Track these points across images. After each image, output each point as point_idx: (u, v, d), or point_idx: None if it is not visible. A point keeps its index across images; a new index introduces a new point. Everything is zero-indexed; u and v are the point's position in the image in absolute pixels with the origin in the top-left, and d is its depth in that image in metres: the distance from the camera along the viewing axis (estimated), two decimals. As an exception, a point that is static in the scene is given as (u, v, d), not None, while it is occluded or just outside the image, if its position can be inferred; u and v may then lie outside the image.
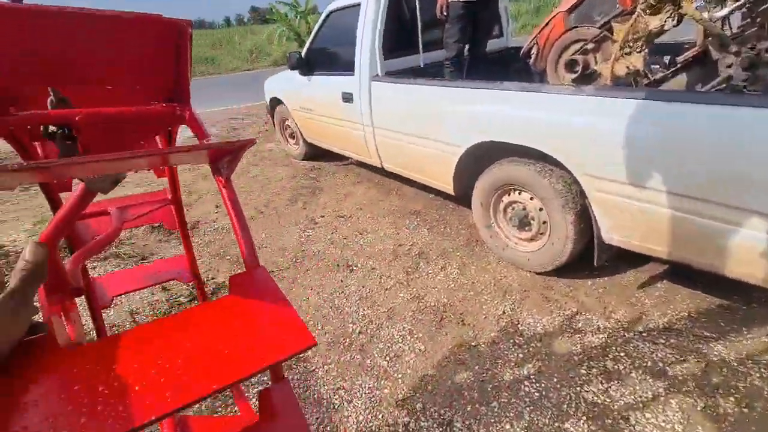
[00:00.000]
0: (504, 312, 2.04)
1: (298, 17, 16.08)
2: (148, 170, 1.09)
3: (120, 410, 0.35)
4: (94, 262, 2.74)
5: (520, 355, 1.79)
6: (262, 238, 3.01)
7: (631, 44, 1.69)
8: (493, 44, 3.47)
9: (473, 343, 1.87)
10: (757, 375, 1.56)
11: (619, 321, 1.90)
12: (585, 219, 1.95)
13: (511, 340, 1.87)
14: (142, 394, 0.37)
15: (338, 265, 2.58)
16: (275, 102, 4.57)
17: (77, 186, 0.65)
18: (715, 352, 1.68)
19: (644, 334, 1.81)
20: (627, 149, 1.59)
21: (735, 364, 1.62)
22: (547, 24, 2.38)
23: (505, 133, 2.07)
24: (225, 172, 0.67)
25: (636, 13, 1.64)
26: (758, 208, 1.34)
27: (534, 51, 2.50)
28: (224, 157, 0.64)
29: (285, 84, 4.32)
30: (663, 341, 1.76)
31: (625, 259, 2.19)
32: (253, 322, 0.49)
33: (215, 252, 2.87)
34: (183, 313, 0.51)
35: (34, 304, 0.43)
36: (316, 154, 4.46)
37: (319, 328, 2.07)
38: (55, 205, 0.85)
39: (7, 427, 0.33)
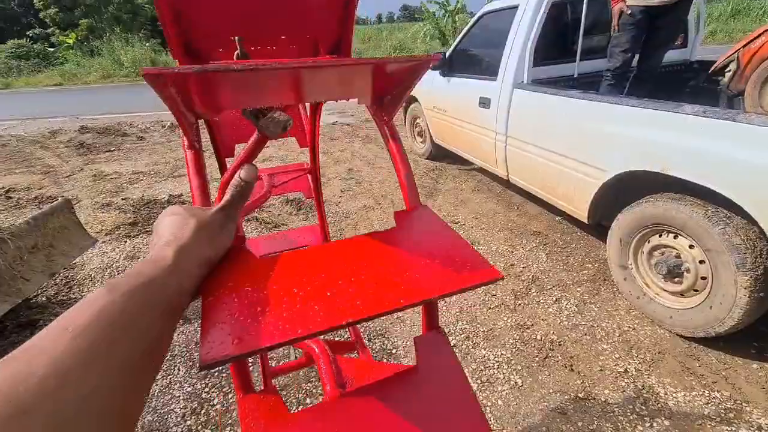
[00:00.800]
0: (626, 371, 1.75)
1: (446, 16, 16.21)
2: (291, 136, 1.16)
3: (316, 309, 0.38)
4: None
5: (639, 428, 1.51)
6: (375, 227, 3.13)
7: None
8: (671, 56, 2.94)
9: (581, 395, 1.65)
10: None
11: (796, 429, 1.45)
12: (767, 287, 1.53)
13: (630, 406, 1.59)
14: (334, 299, 0.39)
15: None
16: (410, 100, 4.69)
17: (240, 150, 0.71)
18: None
19: (835, 459, 1.35)
20: None
21: None
22: (757, 37, 1.89)
23: (671, 163, 1.74)
24: (388, 110, 0.65)
25: None
26: None
27: (731, 68, 2.02)
28: (389, 92, 0.63)
29: (422, 83, 4.39)
30: None
31: (820, 351, 1.66)
32: (431, 251, 0.47)
33: (333, 234, 3.10)
34: (358, 238, 0.51)
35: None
36: (439, 154, 4.46)
37: (415, 330, 2.07)
38: (222, 168, 1.00)
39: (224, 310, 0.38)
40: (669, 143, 1.74)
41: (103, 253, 2.87)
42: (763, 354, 1.76)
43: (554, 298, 2.23)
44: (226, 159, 1.03)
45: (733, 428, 1.47)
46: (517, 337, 1.97)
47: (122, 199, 3.83)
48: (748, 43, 1.94)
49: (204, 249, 0.40)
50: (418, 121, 4.66)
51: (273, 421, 0.41)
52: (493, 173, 3.30)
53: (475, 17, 3.44)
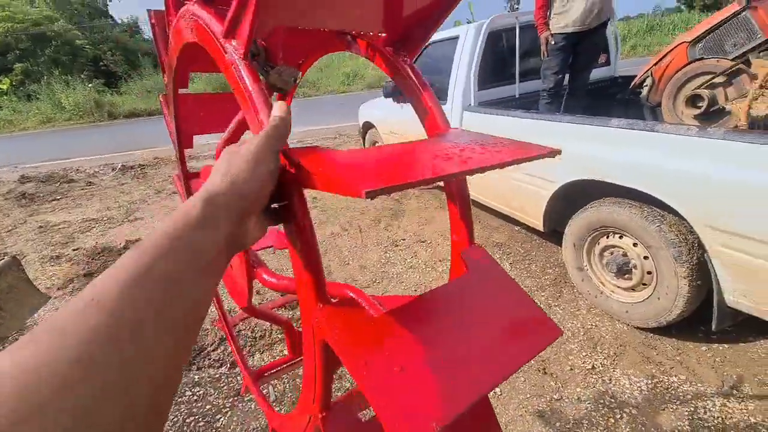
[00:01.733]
0: (594, 367, 1.86)
1: (394, 43, 16.88)
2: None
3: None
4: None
5: (611, 420, 1.60)
6: (345, 255, 3.16)
7: (776, 82, 1.46)
8: (597, 73, 3.27)
9: (555, 396, 1.73)
10: None
11: (744, 401, 1.60)
12: (703, 275, 1.70)
13: (601, 401, 1.68)
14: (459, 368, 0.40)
15: (416, 291, 2.59)
16: (368, 125, 4.83)
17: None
18: None
19: (778, 424, 1.50)
20: (760, 200, 1.37)
21: None
22: (664, 56, 2.17)
23: (608, 172, 1.92)
24: (409, 48, 0.64)
25: (784, 48, 1.42)
26: None
27: (648, 83, 2.29)
28: (412, 27, 0.60)
29: (378, 110, 4.56)
30: (805, 437, 1.44)
31: (755, 326, 1.85)
32: (500, 308, 0.49)
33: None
34: (437, 291, 0.50)
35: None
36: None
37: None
38: (183, 159, 1.07)
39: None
40: (603, 153, 1.92)
41: (57, 309, 2.68)
42: (709, 337, 1.93)
43: (522, 306, 2.33)
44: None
45: (692, 408, 1.60)
46: (492, 348, 2.04)
47: (73, 249, 3.61)
48: (658, 61, 2.21)
49: (243, 187, 0.36)
50: (377, 144, 4.80)
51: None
52: (453, 191, 3.44)
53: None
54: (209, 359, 2.12)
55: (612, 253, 2.09)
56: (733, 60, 1.90)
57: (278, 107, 0.43)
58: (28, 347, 0.21)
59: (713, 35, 1.97)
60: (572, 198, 2.23)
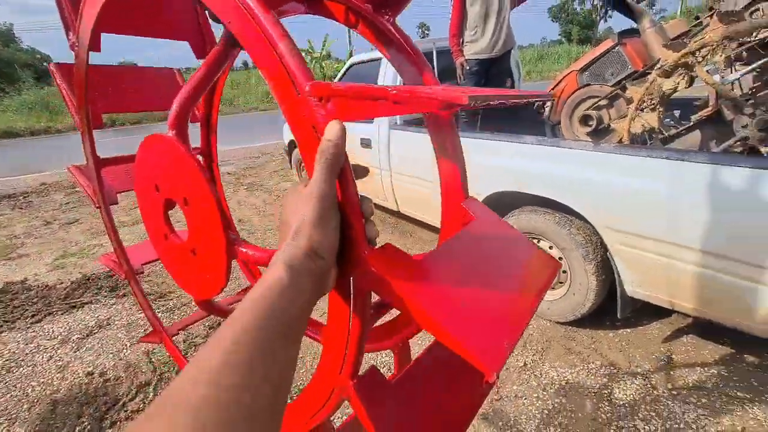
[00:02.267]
0: (525, 364, 2.00)
1: (313, 62, 16.98)
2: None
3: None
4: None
5: (545, 412, 1.73)
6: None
7: (646, 104, 1.77)
8: (505, 95, 3.62)
9: (495, 397, 1.82)
10: (799, 442, 1.49)
11: (646, 377, 1.85)
12: (607, 270, 1.95)
13: (535, 395, 1.81)
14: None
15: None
16: (293, 145, 4.74)
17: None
18: (752, 416, 1.61)
19: (674, 393, 1.75)
20: (647, 205, 1.62)
21: (773, 429, 1.55)
22: (560, 81, 2.50)
23: (525, 183, 2.12)
24: (392, 5, 0.60)
25: (651, 77, 1.73)
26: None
27: (548, 104, 2.61)
28: None
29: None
30: (694, 401, 1.70)
31: (648, 311, 2.16)
32: (510, 248, 0.56)
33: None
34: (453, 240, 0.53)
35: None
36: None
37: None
38: (92, 140, 0.96)
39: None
40: (520, 167, 2.13)
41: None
42: (615, 324, 2.20)
43: (457, 313, 2.44)
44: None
45: (609, 390, 1.80)
46: (434, 358, 2.10)
47: (-70, 300, 2.93)
48: (556, 85, 2.54)
49: (319, 248, 0.37)
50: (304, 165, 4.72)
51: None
52: (385, 207, 3.52)
53: (345, 67, 3.73)
54: (125, 411, 1.85)
55: (532, 257, 2.30)
56: (612, 86, 2.25)
57: (332, 128, 0.39)
58: (153, 420, 0.25)
59: (595, 65, 2.33)
60: (496, 208, 2.41)
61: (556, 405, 1.76)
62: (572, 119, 2.49)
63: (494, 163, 2.25)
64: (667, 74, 1.70)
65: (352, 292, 0.44)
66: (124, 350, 2.29)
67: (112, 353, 2.27)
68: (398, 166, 3.03)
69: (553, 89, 2.57)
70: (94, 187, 1.01)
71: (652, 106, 1.79)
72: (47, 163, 8.51)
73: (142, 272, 1.17)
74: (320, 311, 2.56)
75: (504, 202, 2.35)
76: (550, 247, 2.17)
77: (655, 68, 1.72)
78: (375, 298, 0.45)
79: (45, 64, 45.89)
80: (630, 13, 2.08)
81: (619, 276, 1.84)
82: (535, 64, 24.03)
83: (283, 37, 0.41)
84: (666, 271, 1.67)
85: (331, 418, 0.58)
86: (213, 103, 1.17)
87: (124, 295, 2.86)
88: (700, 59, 1.65)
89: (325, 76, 16.12)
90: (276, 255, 0.37)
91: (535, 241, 2.25)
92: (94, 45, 0.80)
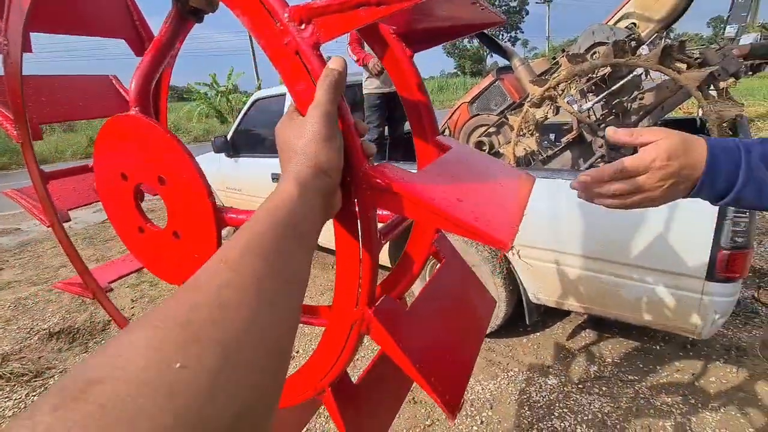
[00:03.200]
0: (453, 383, 2.05)
1: (219, 96, 16.33)
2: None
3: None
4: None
5: (474, 428, 1.77)
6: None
7: (524, 130, 2.02)
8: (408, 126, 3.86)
9: (428, 423, 1.82)
10: (678, 412, 1.74)
11: (557, 376, 2.02)
12: (513, 282, 2.12)
13: (464, 413, 1.86)
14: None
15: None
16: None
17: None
18: (642, 395, 1.84)
19: (580, 387, 1.93)
20: (534, 219, 1.82)
21: (658, 403, 1.78)
22: (454, 112, 2.75)
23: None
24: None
25: (524, 108, 2.00)
26: (640, 263, 1.61)
27: (447, 133, 2.84)
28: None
29: (209, 166, 4.25)
30: (597, 391, 1.89)
31: (553, 313, 2.38)
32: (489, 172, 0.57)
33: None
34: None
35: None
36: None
37: None
38: (32, 163, 0.90)
39: None
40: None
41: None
42: (526, 330, 2.38)
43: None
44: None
45: (528, 394, 1.92)
46: (364, 393, 2.04)
47: None
48: (451, 116, 2.78)
49: (326, 167, 0.38)
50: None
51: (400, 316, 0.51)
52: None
53: (249, 102, 3.64)
54: None
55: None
56: (497, 116, 2.53)
57: (335, 60, 0.41)
58: (182, 296, 0.25)
59: (482, 98, 2.61)
60: (404, 233, 2.50)
61: (484, 419, 1.82)
62: (468, 145, 2.72)
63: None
64: (537, 105, 1.97)
65: (358, 215, 0.44)
66: None
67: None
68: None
69: (448, 119, 2.81)
70: (42, 205, 0.95)
71: (530, 132, 2.05)
72: None
73: (111, 290, 1.05)
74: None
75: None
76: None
77: (527, 100, 1.99)
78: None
79: None
80: (502, 52, 2.40)
81: (522, 286, 2.01)
82: (437, 94, 26.19)
83: None
84: (557, 277, 1.87)
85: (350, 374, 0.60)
86: (160, 95, 1.08)
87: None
88: (560, 92, 1.95)
89: (233, 109, 15.57)
90: (283, 174, 0.38)
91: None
92: (26, 46, 0.76)
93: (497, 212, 0.41)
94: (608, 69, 2.00)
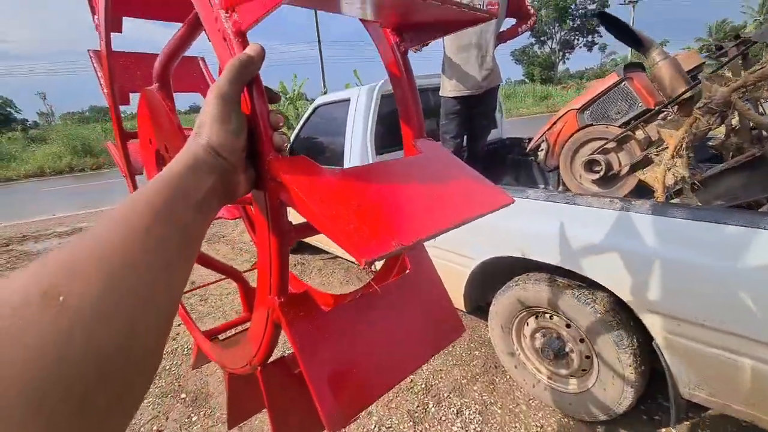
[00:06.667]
0: (554, 495, 1.48)
1: (286, 103, 16.83)
2: None
3: (409, 219, 0.42)
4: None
5: None
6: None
7: (683, 150, 1.42)
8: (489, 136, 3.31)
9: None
10: None
11: None
12: (649, 361, 1.51)
13: None
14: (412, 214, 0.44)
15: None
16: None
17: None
18: None
19: None
20: (708, 284, 1.21)
21: None
22: (556, 122, 2.18)
23: (528, 247, 1.70)
24: (410, 41, 0.61)
25: (692, 116, 1.39)
26: None
27: (543, 147, 2.28)
28: (417, 26, 0.60)
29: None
30: None
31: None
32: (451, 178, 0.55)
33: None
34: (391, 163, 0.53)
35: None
36: (300, 246, 4.06)
37: None
38: (118, 117, 1.05)
39: None
40: (521, 226, 1.71)
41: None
42: (664, 423, 1.74)
43: (455, 410, 1.92)
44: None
45: None
46: (430, 489, 1.55)
47: None
48: (551, 126, 2.22)
49: (216, 146, 0.39)
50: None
51: (313, 315, 0.51)
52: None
53: (310, 109, 3.35)
54: None
55: (544, 336, 1.84)
56: (620, 126, 1.93)
57: (252, 45, 0.42)
58: (61, 250, 0.26)
59: (597, 104, 2.02)
60: (493, 275, 1.97)
61: None
62: (573, 164, 2.14)
63: (488, 221, 1.83)
64: (712, 112, 1.36)
65: (268, 205, 0.45)
66: None
67: None
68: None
69: (547, 131, 2.25)
70: (119, 155, 1.10)
71: (685, 154, 1.44)
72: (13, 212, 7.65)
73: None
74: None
75: (501, 270, 1.91)
76: (567, 326, 1.73)
77: (697, 106, 1.39)
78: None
79: (8, 109, 44.31)
80: (635, 43, 1.80)
81: (671, 374, 1.39)
82: (503, 102, 24.96)
83: None
84: (735, 371, 1.24)
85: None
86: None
87: None
88: (740, 95, 1.33)
89: (299, 116, 15.92)
90: (180, 151, 0.39)
91: (546, 316, 1.80)
92: (116, 26, 0.95)
93: (393, 223, 0.39)
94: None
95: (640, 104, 1.87)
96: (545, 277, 1.74)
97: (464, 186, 0.52)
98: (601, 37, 52.37)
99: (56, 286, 0.22)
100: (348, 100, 2.76)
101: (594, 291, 1.59)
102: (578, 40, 51.92)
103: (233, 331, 1.17)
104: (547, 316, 1.80)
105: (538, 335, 1.87)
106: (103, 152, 16.08)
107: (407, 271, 0.65)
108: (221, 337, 1.16)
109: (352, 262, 3.67)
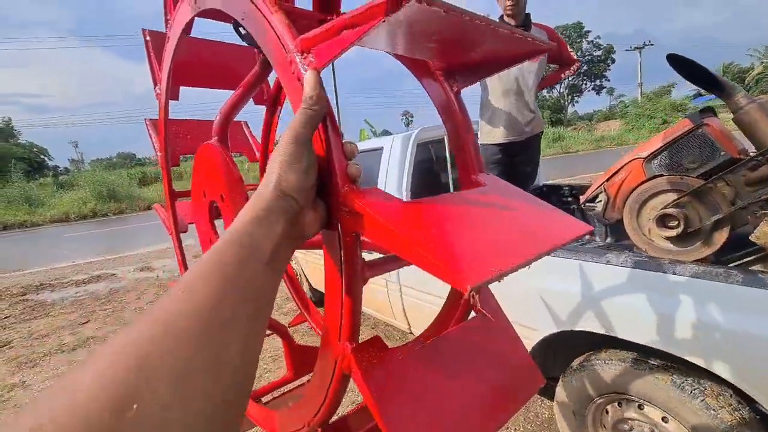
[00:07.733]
0: None
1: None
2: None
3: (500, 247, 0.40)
4: None
5: None
6: None
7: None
8: (525, 183, 3.12)
9: None
10: None
11: None
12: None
13: None
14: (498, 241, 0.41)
15: None
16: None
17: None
18: None
19: None
20: None
21: None
22: (618, 171, 1.98)
23: (610, 323, 1.43)
24: (461, 80, 0.61)
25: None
26: None
27: (601, 198, 2.06)
28: (470, 64, 0.57)
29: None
30: None
31: None
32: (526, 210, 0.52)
33: None
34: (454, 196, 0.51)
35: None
36: (321, 299, 3.81)
37: None
38: (168, 175, 1.16)
39: None
40: (598, 296, 1.45)
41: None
42: None
43: None
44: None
45: None
46: None
47: None
48: (611, 176, 2.01)
49: (285, 187, 0.39)
50: (291, 264, 4.02)
51: (385, 362, 0.45)
52: (396, 325, 2.76)
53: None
54: None
55: (631, 429, 1.51)
56: (698, 177, 1.70)
57: (308, 81, 0.42)
58: (136, 327, 0.27)
59: (669, 152, 1.81)
60: (560, 349, 1.69)
61: None
62: (640, 218, 1.90)
63: (556, 288, 1.58)
64: None
65: (341, 241, 0.43)
66: None
67: None
68: (411, 280, 2.34)
69: (605, 182, 2.03)
70: (166, 217, 1.19)
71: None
72: (4, 262, 7.67)
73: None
74: None
75: (572, 344, 1.63)
76: (664, 419, 1.40)
77: None
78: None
79: (42, 156, 46.74)
80: (713, 86, 1.62)
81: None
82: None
83: (276, 11, 0.46)
84: None
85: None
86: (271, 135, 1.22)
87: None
88: None
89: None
90: (253, 195, 0.40)
91: (636, 405, 1.48)
92: (173, 95, 1.02)
93: (482, 250, 0.37)
94: None
95: (723, 153, 1.66)
96: (630, 356, 1.45)
97: (539, 215, 0.50)
98: (608, 81, 53.54)
99: (131, 396, 0.22)
100: (381, 149, 2.63)
101: (700, 379, 1.29)
102: (586, 84, 53.17)
103: (278, 393, 1.13)
104: (635, 404, 1.48)
105: (622, 425, 1.54)
106: (126, 197, 16.52)
107: (473, 316, 0.61)
108: (264, 399, 1.09)
109: (379, 320, 3.39)
